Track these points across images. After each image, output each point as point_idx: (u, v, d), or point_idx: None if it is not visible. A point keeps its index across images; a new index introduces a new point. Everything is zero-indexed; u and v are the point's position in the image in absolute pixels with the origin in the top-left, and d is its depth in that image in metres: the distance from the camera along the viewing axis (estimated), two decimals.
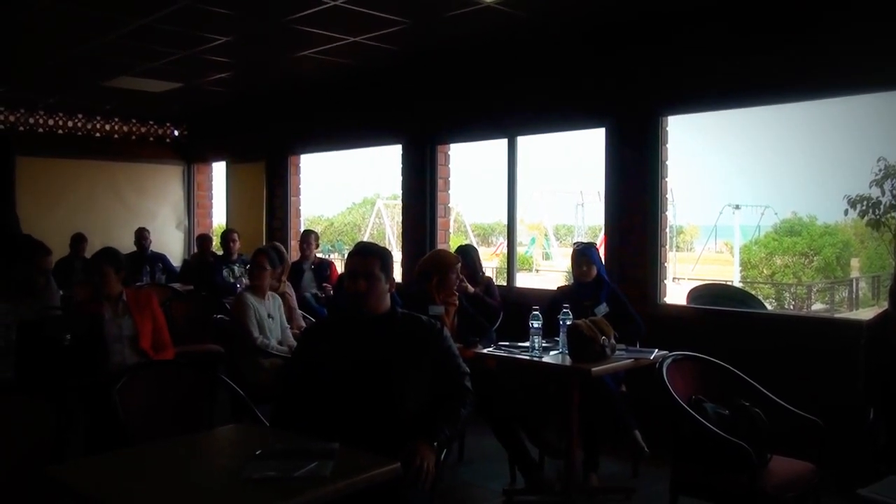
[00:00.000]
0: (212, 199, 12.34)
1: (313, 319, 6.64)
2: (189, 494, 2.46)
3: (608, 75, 6.50)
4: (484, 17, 6.13)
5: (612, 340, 4.56)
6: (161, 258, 10.03)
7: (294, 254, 9.09)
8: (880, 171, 17.44)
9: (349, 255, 3.43)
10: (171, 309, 6.40)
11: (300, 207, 10.25)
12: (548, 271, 27.53)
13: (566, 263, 21.85)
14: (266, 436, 3.15)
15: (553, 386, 5.01)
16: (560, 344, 4.64)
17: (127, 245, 9.33)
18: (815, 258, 24.25)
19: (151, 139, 11.84)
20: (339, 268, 8.76)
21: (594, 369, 4.37)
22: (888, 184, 17.52)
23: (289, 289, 6.48)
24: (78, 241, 9.56)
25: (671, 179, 6.40)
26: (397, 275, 3.72)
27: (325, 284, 8.20)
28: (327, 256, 9.61)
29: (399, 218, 8.95)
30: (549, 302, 5.32)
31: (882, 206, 17.48)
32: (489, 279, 6.74)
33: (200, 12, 6.03)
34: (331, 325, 3.73)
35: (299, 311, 6.49)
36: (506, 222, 7.79)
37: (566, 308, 4.69)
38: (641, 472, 5.23)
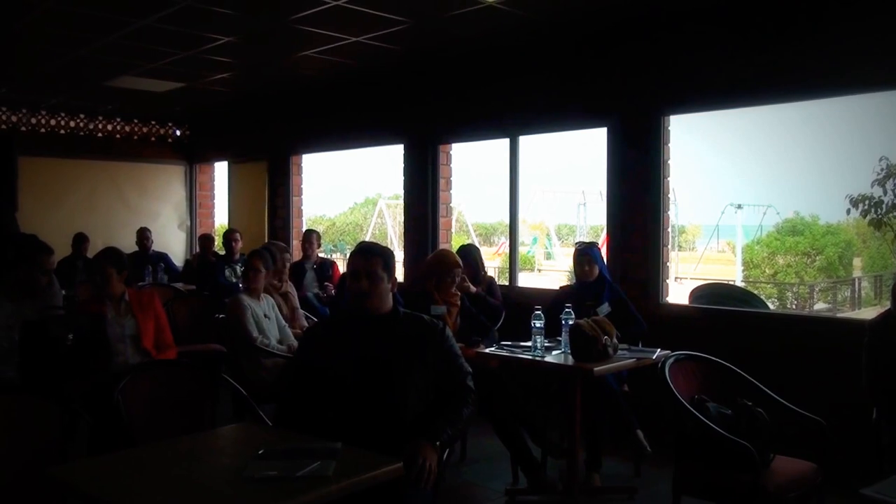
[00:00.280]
0: (214, 198, 12.35)
1: (315, 319, 6.64)
2: (192, 494, 2.46)
3: (610, 75, 6.50)
4: (485, 17, 6.13)
5: (615, 340, 4.56)
6: (163, 258, 10.04)
7: (296, 253, 9.09)
8: (882, 170, 17.42)
9: (351, 254, 3.43)
10: (173, 309, 6.40)
11: (302, 207, 10.27)
12: (550, 271, 27.54)
13: (568, 263, 21.85)
14: (268, 435, 3.16)
15: (555, 385, 5.02)
16: (562, 344, 4.64)
17: (129, 245, 9.34)
18: (817, 258, 24.22)
19: (153, 139, 11.85)
20: (342, 268, 8.76)
21: (596, 369, 4.37)
22: (890, 183, 17.50)
23: (291, 288, 6.48)
24: (80, 240, 9.57)
25: (673, 179, 6.40)
26: (399, 275, 3.71)
27: (326, 284, 8.20)
28: (329, 256, 9.61)
29: (401, 218, 8.96)
30: (552, 302, 5.32)
31: (884, 206, 17.46)
32: (491, 279, 6.73)
33: (202, 12, 6.03)
34: (333, 324, 3.73)
35: (301, 311, 6.49)
36: (507, 222, 7.78)
37: (568, 308, 4.69)
38: (644, 472, 5.24)
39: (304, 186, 10.24)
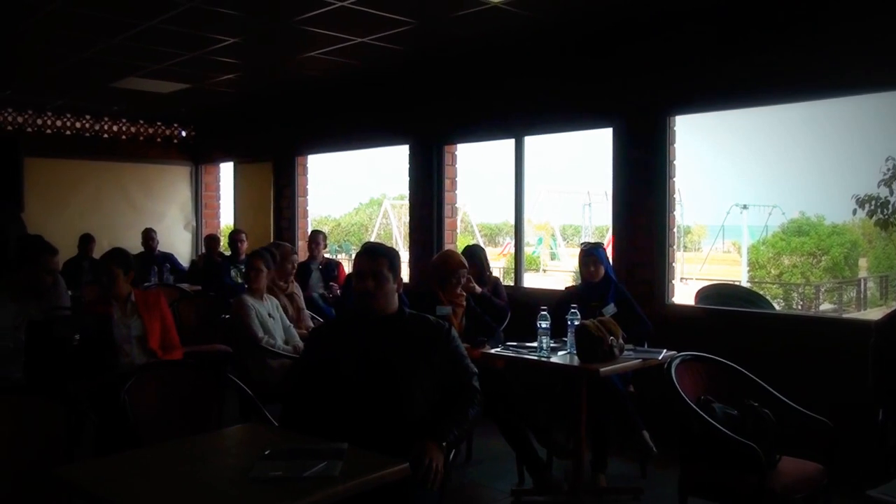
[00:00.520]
0: (219, 199, 12.36)
1: (321, 319, 6.65)
2: (198, 494, 2.47)
3: (615, 75, 6.50)
4: (490, 18, 6.13)
5: (621, 341, 4.56)
6: (169, 258, 10.06)
7: (302, 254, 9.10)
8: (889, 170, 17.34)
9: (357, 254, 3.43)
10: (179, 309, 6.42)
11: (307, 208, 10.28)
12: (555, 271, 27.52)
13: (573, 263, 21.83)
14: (274, 436, 3.16)
15: (561, 386, 5.01)
16: (568, 344, 4.64)
17: (134, 245, 9.36)
18: (823, 258, 24.16)
19: (159, 140, 11.87)
20: (347, 268, 8.77)
21: (602, 369, 4.37)
22: None
23: (296, 289, 6.49)
24: (86, 241, 9.60)
25: (678, 179, 6.39)
26: (405, 275, 3.72)
27: (332, 284, 8.22)
28: (334, 257, 9.62)
29: (406, 218, 8.96)
30: (557, 302, 5.31)
31: (890, 206, 17.39)
32: (496, 279, 6.73)
33: (208, 14, 6.04)
34: (339, 325, 3.73)
35: (307, 312, 6.50)
36: (512, 222, 7.78)
37: (574, 308, 4.68)
38: (649, 473, 5.23)
39: (309, 187, 10.25)
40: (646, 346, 5.05)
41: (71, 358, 4.22)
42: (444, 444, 2.99)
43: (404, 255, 6.26)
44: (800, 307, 21.19)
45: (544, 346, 4.67)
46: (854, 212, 17.89)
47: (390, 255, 3.36)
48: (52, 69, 8.23)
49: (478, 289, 5.91)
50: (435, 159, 8.12)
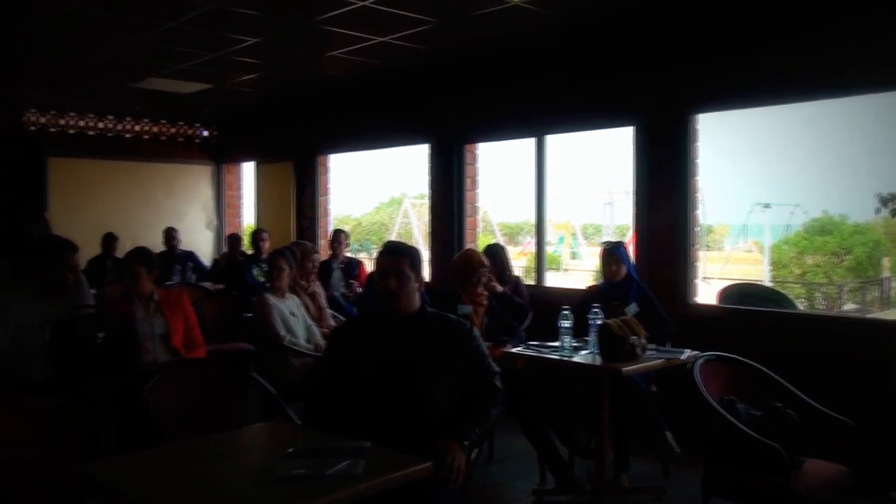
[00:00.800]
0: (241, 198, 12.42)
1: (343, 318, 6.66)
2: (221, 492, 2.48)
3: (637, 73, 6.46)
4: (511, 16, 6.11)
5: (643, 340, 4.53)
6: (190, 256, 10.10)
7: (323, 253, 9.12)
8: None
9: (379, 253, 3.44)
10: (202, 308, 6.45)
11: (329, 207, 10.30)
12: (576, 270, 27.44)
13: (594, 263, 21.71)
14: (297, 434, 3.17)
15: (583, 385, 4.99)
16: (590, 343, 4.62)
17: (157, 244, 9.41)
18: (845, 257, 23.95)
19: (181, 140, 11.93)
20: (368, 267, 8.79)
21: (625, 369, 4.35)
22: None
23: (318, 288, 6.51)
24: (109, 240, 9.66)
25: (700, 178, 6.35)
26: (425, 274, 3.71)
27: (352, 282, 8.24)
28: (355, 256, 9.65)
29: (426, 217, 8.96)
30: (579, 301, 5.29)
31: None
32: (517, 278, 6.72)
33: (229, 14, 6.06)
34: (361, 324, 3.73)
35: (329, 310, 6.51)
36: (533, 221, 7.76)
37: (596, 308, 4.67)
38: (672, 473, 5.19)
39: (330, 186, 10.28)
40: (668, 345, 5.01)
41: (95, 356, 4.24)
42: (465, 443, 2.99)
43: (425, 255, 6.27)
44: (823, 307, 21.01)
45: (566, 345, 4.66)
46: (877, 210, 17.74)
47: (412, 254, 3.36)
48: (74, 70, 8.30)
49: (499, 288, 5.90)
50: (455, 158, 8.11)
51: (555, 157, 7.45)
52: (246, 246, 10.61)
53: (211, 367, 4.22)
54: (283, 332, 5.59)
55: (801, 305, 19.19)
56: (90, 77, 8.66)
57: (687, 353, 4.62)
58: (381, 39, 6.85)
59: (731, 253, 29.84)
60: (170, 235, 10.00)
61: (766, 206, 25.63)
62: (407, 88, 8.58)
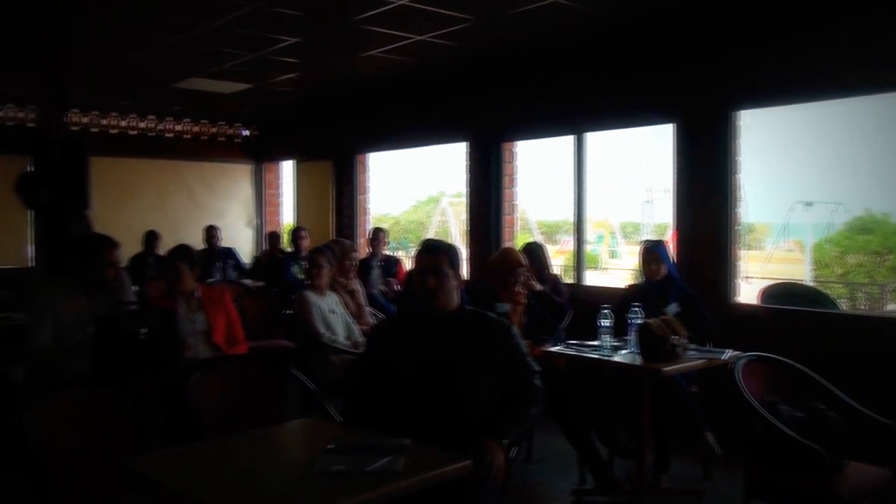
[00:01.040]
0: (281, 197, 12.52)
1: (381, 316, 6.68)
2: (262, 487, 2.49)
3: (677, 69, 6.40)
4: (549, 13, 6.09)
5: (684, 340, 4.48)
6: (230, 253, 10.18)
7: (362, 251, 9.17)
8: None
9: (417, 251, 3.44)
10: (242, 305, 6.49)
11: (368, 206, 10.34)
12: (615, 269, 27.26)
13: (633, 261, 21.54)
14: (337, 430, 3.18)
15: (623, 385, 4.95)
16: (630, 343, 4.58)
17: (198, 242, 9.50)
18: (888, 257, 23.55)
19: (221, 139, 12.05)
20: (406, 265, 8.82)
21: (666, 369, 4.30)
22: None
23: (357, 285, 6.53)
24: (151, 237, 9.77)
25: (741, 175, 6.28)
26: (463, 273, 3.71)
27: (391, 280, 8.28)
28: (393, 254, 9.69)
29: (463, 216, 8.96)
30: (619, 300, 5.26)
31: None
32: (556, 277, 6.70)
33: (269, 14, 6.11)
34: (400, 322, 3.74)
35: (368, 308, 6.54)
36: (571, 220, 7.72)
37: (636, 307, 4.63)
38: (713, 474, 5.14)
39: (369, 185, 10.32)
40: (710, 345, 4.96)
41: (138, 352, 4.29)
42: (505, 441, 2.97)
43: (463, 253, 6.27)
44: (865, 307, 20.66)
45: (606, 344, 4.62)
46: None
47: (450, 252, 3.36)
48: (117, 71, 8.41)
49: (538, 286, 5.88)
50: (493, 157, 8.10)
51: (594, 154, 7.41)
52: (285, 244, 10.68)
53: (252, 363, 4.25)
54: (322, 329, 5.62)
55: (844, 305, 18.89)
56: (132, 78, 8.78)
57: (728, 353, 4.56)
58: (419, 38, 6.86)
59: (772, 252, 29.48)
60: (210, 233, 10.10)
61: (808, 204, 25.29)
62: (444, 87, 8.59)
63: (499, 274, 5.47)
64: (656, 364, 4.32)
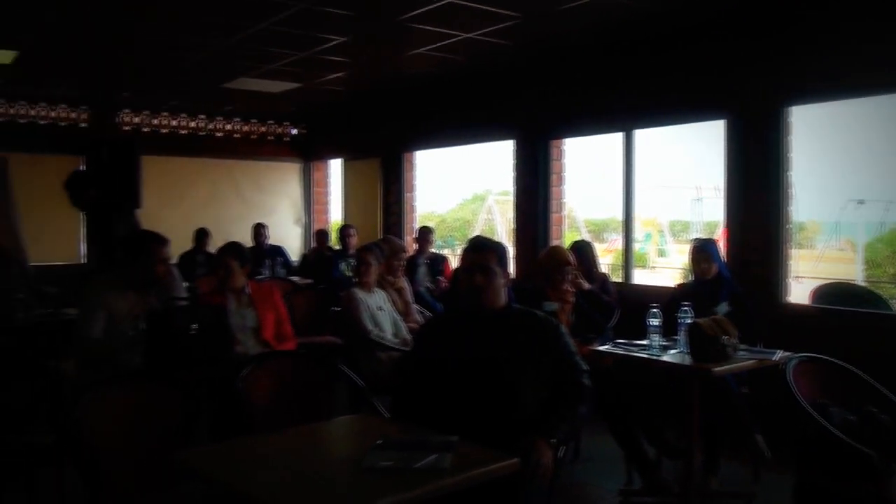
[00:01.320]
0: (329, 195, 12.62)
1: (428, 313, 6.70)
2: (310, 481, 2.51)
3: (728, 64, 6.32)
4: (597, 9, 6.05)
5: (735, 340, 4.42)
6: (279, 251, 10.28)
7: (409, 249, 9.19)
8: None
9: (465, 249, 3.44)
10: (291, 301, 6.55)
11: (415, 203, 10.37)
12: (664, 268, 26.99)
13: (681, 260, 21.29)
14: (384, 427, 3.19)
15: (672, 385, 4.90)
16: (680, 343, 4.53)
17: (247, 240, 9.61)
18: None
19: (270, 138, 12.18)
20: (452, 263, 8.83)
21: (716, 369, 4.25)
22: None
23: (405, 283, 6.56)
24: (201, 235, 9.90)
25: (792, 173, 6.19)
26: (510, 271, 3.70)
27: (438, 278, 8.29)
28: (440, 252, 9.72)
29: (509, 214, 8.95)
30: (669, 300, 5.20)
31: None
32: (605, 276, 6.65)
33: (317, 14, 6.15)
34: (448, 320, 3.74)
35: (414, 305, 6.56)
36: (619, 218, 7.67)
37: (686, 306, 4.58)
38: (762, 477, 5.06)
39: (416, 183, 10.35)
40: (760, 345, 4.89)
41: (189, 347, 4.36)
42: (552, 440, 2.96)
43: (509, 251, 6.25)
44: None
45: (655, 344, 4.58)
46: None
47: (498, 250, 3.36)
48: (167, 72, 8.55)
49: (586, 285, 5.84)
50: (541, 154, 8.07)
51: (642, 151, 7.35)
52: (333, 242, 10.75)
53: (300, 359, 4.29)
54: (370, 326, 5.65)
55: None
56: (182, 79, 8.91)
57: (779, 354, 4.49)
58: (466, 36, 6.86)
59: (823, 251, 28.95)
60: (258, 231, 10.20)
61: (860, 202, 24.78)
62: (492, 84, 8.57)
63: (546, 272, 5.45)
64: (706, 364, 4.27)
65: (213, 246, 8.87)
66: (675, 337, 4.60)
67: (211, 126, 11.66)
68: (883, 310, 7.43)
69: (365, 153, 10.92)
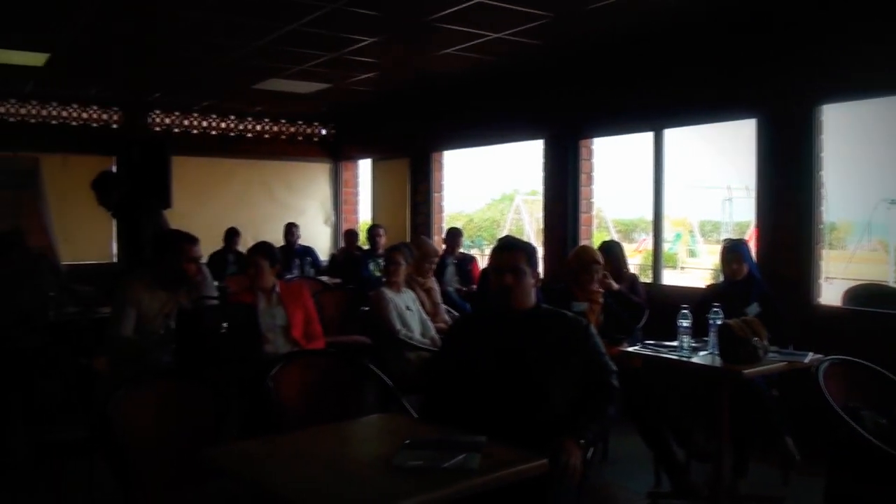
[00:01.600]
0: (358, 195, 12.67)
1: (456, 313, 6.71)
2: (339, 479, 2.52)
3: (759, 62, 6.26)
4: (628, 8, 6.02)
5: (765, 342, 4.39)
6: (309, 252, 10.34)
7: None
8: None
9: (494, 250, 3.44)
10: (320, 301, 6.59)
11: (443, 203, 10.38)
12: (693, 268, 26.79)
13: (711, 261, 21.10)
14: (413, 426, 3.20)
15: (702, 387, 4.87)
16: (710, 344, 4.50)
17: (276, 239, 9.67)
18: None
19: (300, 138, 12.25)
20: (481, 263, 8.83)
21: (746, 371, 4.21)
22: None
23: (434, 284, 6.58)
24: (231, 234, 9.98)
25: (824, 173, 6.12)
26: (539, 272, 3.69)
27: (465, 278, 8.32)
28: (468, 252, 9.75)
29: (538, 214, 8.94)
30: (699, 300, 5.17)
31: None
32: (634, 276, 6.62)
33: (347, 15, 6.17)
34: (477, 320, 3.74)
35: (443, 306, 6.57)
36: (648, 218, 7.63)
37: (716, 307, 4.55)
38: (792, 481, 5.00)
39: (444, 183, 10.36)
40: (791, 347, 4.84)
41: (219, 345, 4.39)
42: (582, 441, 2.95)
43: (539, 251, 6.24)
44: None
45: (685, 345, 4.55)
46: None
47: (528, 250, 3.36)
48: (198, 73, 8.61)
49: (615, 285, 5.82)
50: (570, 154, 8.05)
51: (672, 151, 7.31)
52: (362, 241, 10.80)
53: (330, 358, 4.31)
54: (398, 325, 5.68)
55: None
56: (214, 80, 8.98)
57: (810, 356, 4.45)
58: (495, 35, 6.85)
59: (854, 252, 28.60)
60: (290, 231, 10.26)
61: (893, 202, 24.46)
62: (521, 84, 8.56)
63: (574, 272, 5.45)
64: (736, 366, 4.24)
65: (244, 245, 8.95)
66: (705, 338, 4.57)
67: (241, 127, 11.75)
68: None
69: (394, 153, 10.95)
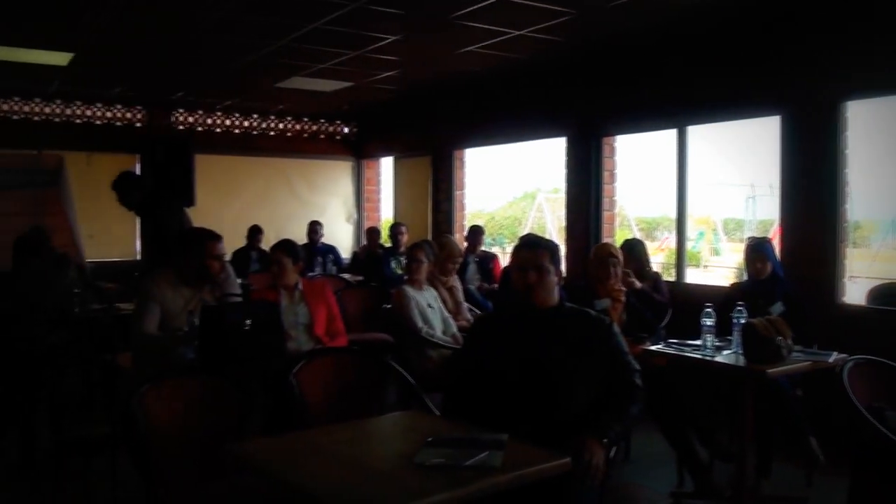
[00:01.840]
0: (380, 193, 12.69)
1: (478, 311, 6.71)
2: (361, 476, 2.53)
3: (784, 59, 6.22)
4: (651, 5, 5.99)
5: (789, 341, 4.36)
6: (331, 250, 10.37)
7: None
8: None
9: (516, 248, 3.43)
10: (342, 299, 6.61)
11: (465, 201, 10.38)
12: (717, 267, 26.62)
13: (735, 259, 20.95)
14: (435, 424, 3.21)
15: (726, 386, 4.84)
16: (734, 343, 4.47)
17: (299, 237, 9.71)
18: None
19: (322, 136, 12.29)
20: (502, 261, 8.82)
21: (770, 371, 4.19)
22: None
23: (456, 282, 6.58)
24: (254, 232, 10.03)
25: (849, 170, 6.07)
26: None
27: (486, 276, 8.33)
28: (489, 250, 9.75)
29: (560, 212, 8.93)
30: (723, 299, 5.14)
31: None
32: (657, 275, 6.59)
33: (369, 13, 6.18)
34: (500, 318, 3.74)
35: (465, 304, 6.57)
36: (671, 216, 7.59)
37: (740, 306, 4.52)
38: (816, 482, 4.96)
39: (466, 181, 10.36)
40: (815, 347, 4.80)
41: (242, 342, 4.42)
42: (604, 440, 2.95)
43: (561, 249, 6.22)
44: None
45: (708, 344, 4.53)
46: None
47: (551, 248, 3.35)
48: (221, 72, 8.66)
49: (637, 284, 5.80)
50: (593, 151, 8.03)
51: (695, 149, 7.27)
52: (384, 239, 10.82)
53: (352, 355, 4.33)
54: (420, 323, 5.69)
55: None
56: (237, 79, 9.02)
57: (834, 356, 4.41)
58: (518, 33, 6.84)
59: (878, 250, 28.30)
60: (313, 229, 10.30)
61: None
62: (543, 81, 8.55)
63: (591, 268, 5.44)
64: (760, 365, 4.21)
65: (267, 243, 9.00)
66: (729, 337, 4.55)
67: (264, 125, 11.81)
68: None
69: (416, 151, 10.97)
